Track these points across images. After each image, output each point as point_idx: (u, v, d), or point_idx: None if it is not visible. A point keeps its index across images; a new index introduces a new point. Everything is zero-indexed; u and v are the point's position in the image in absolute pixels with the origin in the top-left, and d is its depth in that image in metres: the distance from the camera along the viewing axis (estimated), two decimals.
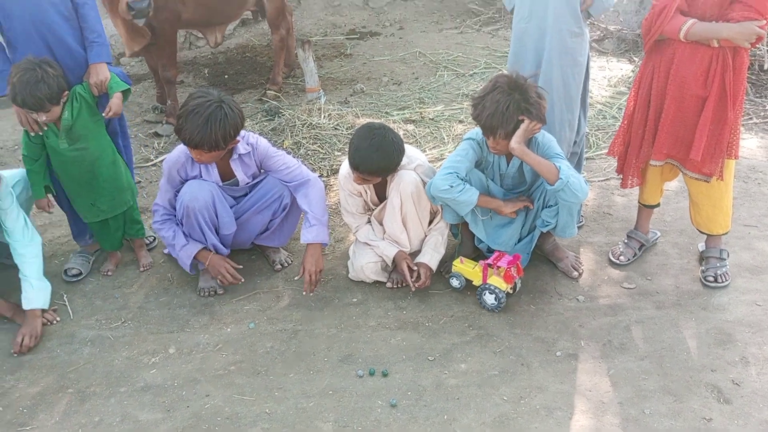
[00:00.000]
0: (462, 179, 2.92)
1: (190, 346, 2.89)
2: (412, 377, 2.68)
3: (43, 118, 2.90)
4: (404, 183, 3.02)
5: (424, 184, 3.03)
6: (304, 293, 3.11)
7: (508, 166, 3.02)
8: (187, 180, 3.10)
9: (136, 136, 4.74)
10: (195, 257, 3.11)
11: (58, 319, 3.06)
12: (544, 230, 3.08)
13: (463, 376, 2.67)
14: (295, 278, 3.18)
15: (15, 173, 3.28)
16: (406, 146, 3.07)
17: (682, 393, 2.56)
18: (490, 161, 3.04)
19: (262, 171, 3.22)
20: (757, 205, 3.69)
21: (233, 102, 2.91)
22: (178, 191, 3.11)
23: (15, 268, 3.30)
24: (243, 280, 3.19)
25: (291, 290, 3.20)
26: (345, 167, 3.11)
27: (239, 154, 3.06)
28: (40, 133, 2.99)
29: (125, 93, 3.10)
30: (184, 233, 3.13)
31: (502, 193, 3.07)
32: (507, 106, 2.74)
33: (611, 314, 2.97)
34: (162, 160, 3.46)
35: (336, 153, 4.31)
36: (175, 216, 3.14)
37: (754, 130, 4.49)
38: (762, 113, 4.69)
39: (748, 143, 4.29)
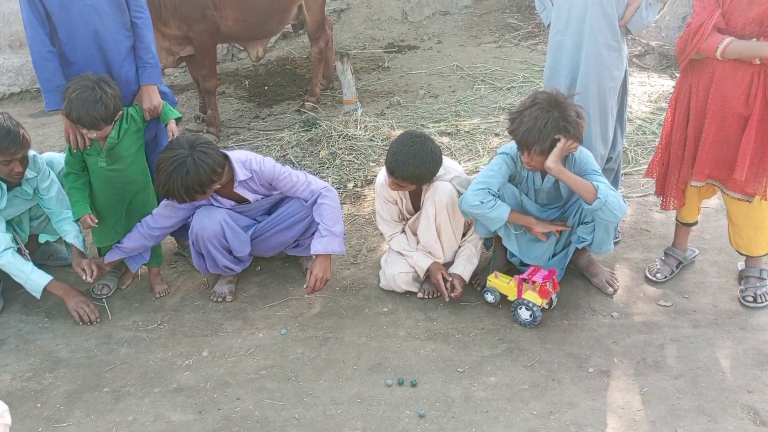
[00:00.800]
0: (494, 195, 2.90)
1: (222, 350, 2.94)
2: (441, 388, 2.67)
3: (93, 135, 2.89)
4: (439, 194, 3.03)
5: (460, 195, 3.02)
6: (306, 296, 3.16)
7: (542, 181, 2.99)
8: (194, 205, 3.06)
9: None
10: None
11: (98, 319, 3.14)
12: (580, 246, 3.05)
13: (493, 389, 2.66)
14: (303, 286, 3.18)
15: (54, 156, 3.40)
16: (444, 158, 3.07)
17: (717, 413, 2.50)
18: (524, 176, 3.02)
19: (275, 192, 3.17)
20: None
21: (203, 154, 2.79)
22: (186, 217, 3.13)
23: (56, 270, 3.42)
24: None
25: (322, 298, 3.23)
26: (382, 174, 3.13)
27: (239, 181, 2.99)
28: (82, 150, 2.99)
29: (177, 120, 3.14)
30: (123, 249, 3.16)
31: (537, 208, 3.05)
32: (545, 123, 2.72)
33: (646, 332, 2.92)
34: None
35: (371, 164, 4.34)
36: (143, 227, 3.12)
37: None
38: None
39: None
